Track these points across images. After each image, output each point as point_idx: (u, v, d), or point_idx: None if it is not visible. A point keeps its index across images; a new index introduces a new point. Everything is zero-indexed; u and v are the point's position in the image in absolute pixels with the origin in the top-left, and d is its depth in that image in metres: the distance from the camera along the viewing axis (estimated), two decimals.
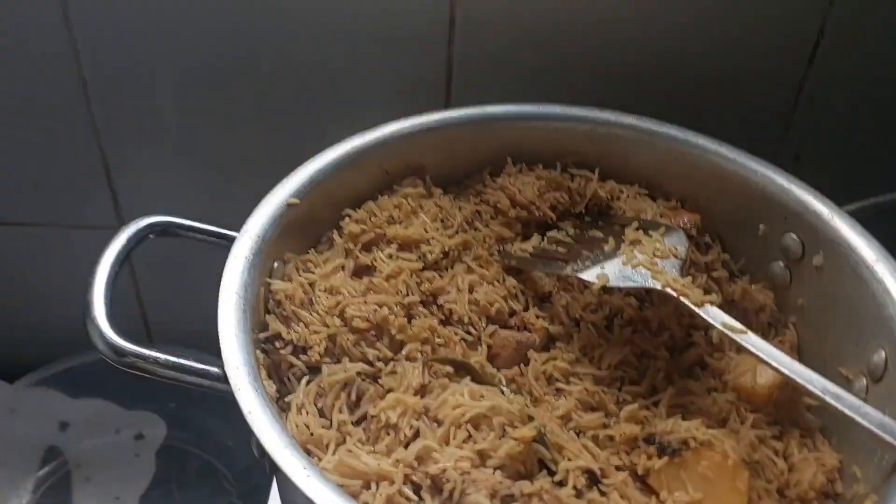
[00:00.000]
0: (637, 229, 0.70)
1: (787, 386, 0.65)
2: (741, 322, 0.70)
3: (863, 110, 0.92)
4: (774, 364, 0.55)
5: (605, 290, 0.65)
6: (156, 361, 0.51)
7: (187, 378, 0.51)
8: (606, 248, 0.68)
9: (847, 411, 0.50)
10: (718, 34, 0.87)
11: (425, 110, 0.78)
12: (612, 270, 0.65)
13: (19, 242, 1.04)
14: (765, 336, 0.71)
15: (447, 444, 0.52)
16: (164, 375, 0.51)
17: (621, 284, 0.63)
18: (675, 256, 0.65)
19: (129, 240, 0.57)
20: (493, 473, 0.50)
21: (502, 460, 0.51)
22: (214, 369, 0.51)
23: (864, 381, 0.61)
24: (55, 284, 1.05)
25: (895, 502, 0.45)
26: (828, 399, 0.52)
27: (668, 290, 0.62)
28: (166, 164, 0.97)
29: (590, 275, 0.65)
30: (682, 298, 0.61)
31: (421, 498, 0.49)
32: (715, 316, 0.59)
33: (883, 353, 0.59)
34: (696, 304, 0.60)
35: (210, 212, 0.99)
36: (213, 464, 1.02)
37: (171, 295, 1.07)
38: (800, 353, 0.71)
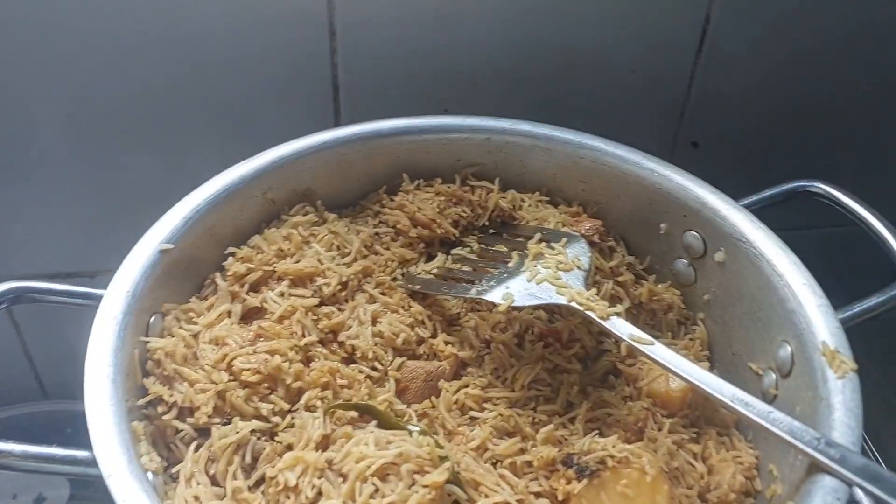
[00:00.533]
0: (540, 241, 0.68)
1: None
2: (650, 323, 0.71)
3: (755, 95, 0.93)
4: (683, 374, 0.54)
5: (513, 307, 0.62)
6: (10, 454, 0.45)
7: (53, 468, 0.46)
8: (510, 264, 0.66)
9: (756, 419, 0.49)
10: (609, 30, 0.86)
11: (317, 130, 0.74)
12: (518, 288, 0.63)
13: None
14: (675, 334, 0.71)
15: (353, 501, 0.48)
16: (27, 468, 0.45)
17: (527, 303, 0.61)
18: (579, 268, 0.63)
19: None
20: None
21: None
22: (83, 453, 0.46)
23: (774, 377, 0.61)
24: None
25: None
26: (737, 407, 0.51)
27: (574, 304, 0.60)
28: (41, 204, 0.89)
29: (495, 295, 0.62)
30: (587, 312, 0.59)
31: None
32: (621, 328, 0.57)
33: (789, 348, 0.58)
34: (601, 318, 0.58)
35: (94, 254, 0.93)
36: None
37: (61, 347, 0.99)
38: (710, 349, 0.70)
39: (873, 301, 0.58)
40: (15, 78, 0.78)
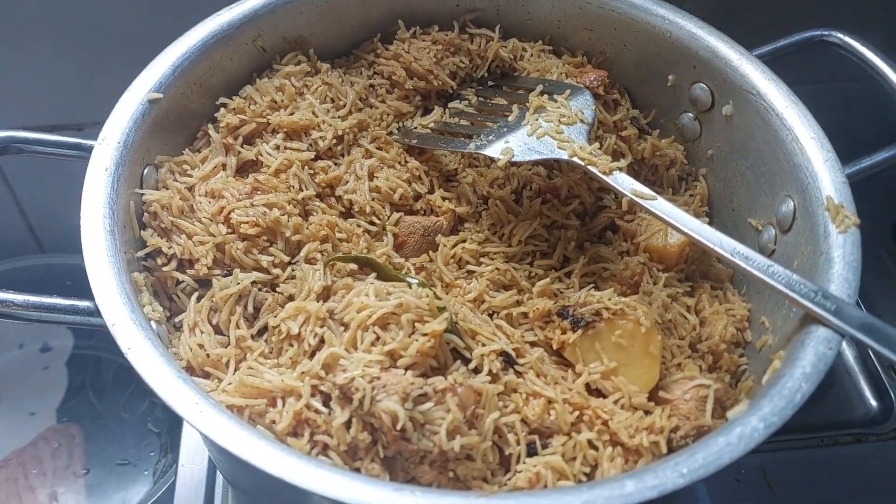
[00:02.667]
0: (541, 94, 0.65)
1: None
2: (651, 179, 0.70)
3: None
4: (684, 229, 0.53)
5: (512, 162, 0.61)
6: (13, 304, 0.45)
7: (56, 317, 0.46)
8: (510, 118, 0.64)
9: (756, 272, 0.50)
10: None
11: None
12: (518, 143, 0.61)
13: None
14: (675, 191, 0.70)
15: (355, 349, 0.49)
16: (29, 318, 0.46)
17: (527, 158, 0.60)
18: (582, 121, 0.61)
19: None
20: (405, 374, 0.48)
21: (414, 358, 0.49)
22: (85, 303, 0.46)
23: (773, 232, 0.61)
24: None
25: (801, 362, 0.45)
26: (737, 261, 0.51)
27: (576, 159, 0.58)
28: (25, 55, 0.85)
29: (494, 150, 0.61)
30: (589, 167, 0.58)
31: (331, 409, 0.47)
32: (623, 183, 0.57)
33: (791, 203, 0.58)
34: (604, 173, 0.57)
35: (81, 106, 0.89)
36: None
37: (54, 201, 0.98)
38: (710, 205, 0.70)
39: (881, 156, 0.57)
40: None
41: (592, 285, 0.61)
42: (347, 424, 0.46)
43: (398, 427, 0.45)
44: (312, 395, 0.47)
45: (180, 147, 0.62)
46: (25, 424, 0.96)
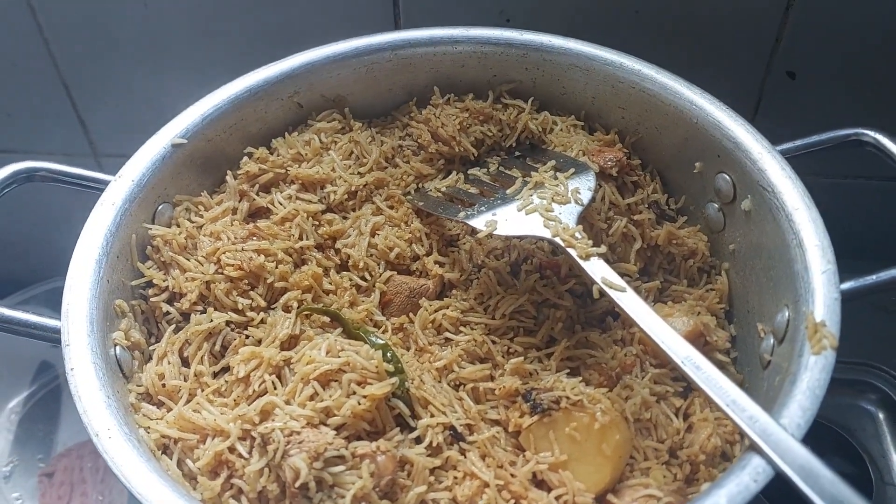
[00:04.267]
0: (549, 169, 0.65)
1: (699, 340, 0.60)
2: (667, 267, 0.67)
3: (861, 21, 0.81)
4: (642, 326, 0.51)
5: (505, 235, 0.61)
6: None
7: (28, 332, 0.52)
8: (509, 190, 0.64)
9: (701, 384, 0.46)
10: None
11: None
12: (505, 216, 0.61)
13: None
14: (693, 283, 0.67)
15: (293, 401, 0.51)
16: (6, 330, 0.52)
17: (508, 233, 0.59)
18: (576, 202, 0.60)
19: None
20: (332, 433, 0.49)
21: (345, 419, 0.50)
22: (53, 323, 0.51)
23: (772, 342, 0.56)
24: (39, 211, 1.08)
25: (719, 491, 0.41)
26: (685, 369, 0.47)
27: (557, 239, 0.57)
28: (131, 83, 0.95)
29: (479, 221, 0.61)
30: (568, 249, 0.56)
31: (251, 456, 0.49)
32: (596, 270, 0.55)
33: (786, 313, 0.53)
34: (581, 257, 0.56)
35: None
36: None
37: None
38: (730, 303, 0.65)
39: (884, 277, 0.51)
40: None
41: (569, 371, 0.59)
42: (261, 473, 0.48)
43: (297, 484, 0.46)
44: (242, 440, 0.49)
45: (208, 187, 0.68)
46: None
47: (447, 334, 0.61)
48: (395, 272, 0.64)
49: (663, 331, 0.50)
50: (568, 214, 0.59)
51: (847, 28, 0.81)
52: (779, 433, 0.42)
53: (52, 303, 0.95)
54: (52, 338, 0.51)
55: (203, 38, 0.89)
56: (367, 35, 0.72)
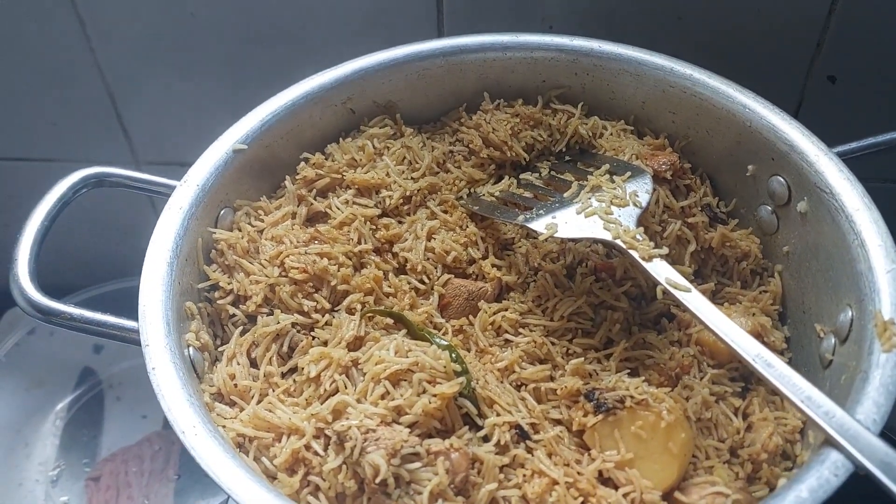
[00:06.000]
0: (604, 173, 0.65)
1: (757, 339, 0.60)
2: (720, 269, 0.67)
3: None
4: (709, 325, 0.51)
5: (564, 238, 0.62)
6: (71, 318, 0.52)
7: (106, 332, 0.53)
8: (566, 194, 0.65)
9: (774, 381, 0.47)
10: None
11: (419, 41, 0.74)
12: (564, 219, 0.62)
13: (44, 178, 1.08)
14: (746, 285, 0.67)
15: (365, 400, 0.52)
16: (83, 330, 0.53)
17: (569, 235, 0.60)
18: (635, 204, 0.61)
19: (61, 196, 0.58)
20: (405, 431, 0.50)
21: (417, 417, 0.51)
22: (132, 323, 0.52)
23: (833, 341, 0.56)
24: (82, 217, 1.10)
25: (800, 486, 0.42)
26: (757, 366, 0.48)
27: (618, 241, 0.58)
28: (173, 91, 0.97)
29: (539, 224, 0.62)
30: (630, 251, 0.57)
31: (328, 453, 0.49)
32: (660, 271, 0.55)
33: (850, 313, 0.54)
34: (643, 258, 0.56)
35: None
36: None
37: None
38: (784, 304, 0.66)
39: None
40: None
41: (629, 371, 0.60)
42: (339, 470, 0.49)
43: (377, 480, 0.46)
44: (316, 438, 0.50)
45: (265, 192, 0.69)
46: (136, 425, 1.07)
47: (506, 336, 0.62)
48: (452, 275, 0.65)
49: (732, 329, 0.51)
50: (627, 217, 0.60)
51: (889, 32, 0.81)
52: (856, 428, 0.43)
53: (104, 307, 0.97)
54: (130, 338, 0.52)
55: (247, 47, 0.91)
56: (417, 42, 0.73)
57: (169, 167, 1.05)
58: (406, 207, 0.69)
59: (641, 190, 0.62)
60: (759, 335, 0.61)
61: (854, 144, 0.61)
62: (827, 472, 0.42)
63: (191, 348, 0.55)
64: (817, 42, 0.84)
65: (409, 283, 0.64)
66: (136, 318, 0.53)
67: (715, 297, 0.66)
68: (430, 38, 0.74)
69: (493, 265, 0.65)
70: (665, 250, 0.57)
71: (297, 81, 0.71)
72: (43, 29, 0.91)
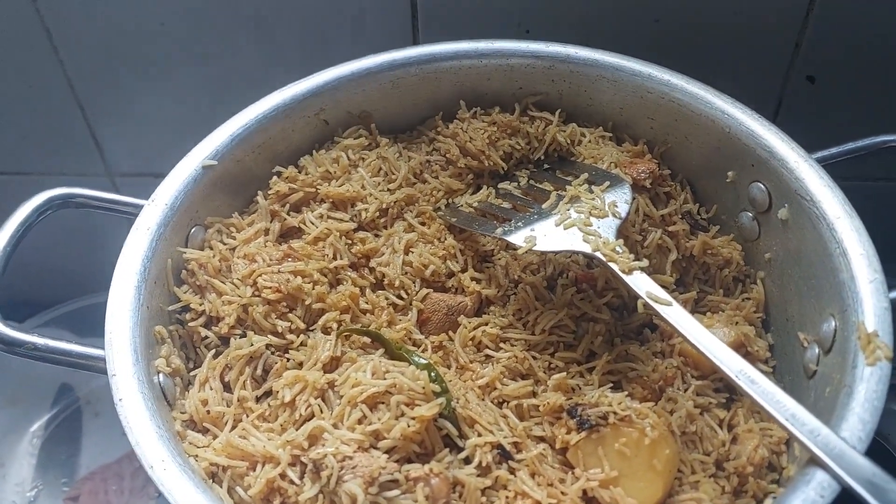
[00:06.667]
0: (584, 182, 0.64)
1: (741, 351, 0.60)
2: (702, 277, 0.67)
3: (885, 23, 0.81)
4: (692, 341, 0.50)
5: (535, 250, 0.60)
6: (35, 348, 0.51)
7: (72, 361, 0.52)
8: (545, 205, 0.63)
9: (758, 398, 0.46)
10: None
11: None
12: (543, 231, 0.61)
13: (15, 191, 1.06)
14: (729, 292, 0.67)
15: (341, 424, 0.50)
16: (49, 360, 0.51)
17: (549, 248, 0.59)
18: (614, 215, 0.60)
19: (25, 220, 0.56)
20: (383, 457, 0.49)
21: (396, 441, 0.50)
22: (98, 352, 0.51)
23: (817, 351, 0.56)
24: (54, 232, 1.07)
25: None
26: (741, 383, 0.47)
27: (598, 254, 0.57)
28: (144, 101, 0.95)
29: (518, 237, 0.61)
30: (609, 264, 0.56)
31: (303, 482, 0.48)
32: (640, 284, 0.54)
33: (833, 323, 0.53)
34: (623, 271, 0.55)
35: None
36: None
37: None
38: (767, 311, 0.65)
39: None
40: None
41: (612, 385, 0.59)
42: (315, 500, 0.47)
43: None
44: (292, 465, 0.49)
45: (238, 208, 0.67)
46: (116, 442, 1.04)
47: (487, 351, 0.61)
48: (431, 290, 0.64)
49: (714, 345, 0.50)
50: (607, 228, 0.59)
51: (867, 32, 0.81)
52: (842, 447, 0.42)
53: (72, 325, 0.94)
54: (97, 367, 0.50)
55: (219, 56, 0.89)
56: (391, 50, 0.72)
57: (142, 178, 1.03)
58: (383, 220, 0.67)
59: (620, 200, 0.61)
60: (741, 345, 0.60)
61: (834, 150, 0.61)
62: (813, 492, 0.41)
63: (161, 375, 0.53)
64: (795, 42, 0.83)
65: (386, 298, 0.63)
66: (103, 341, 0.51)
67: (697, 306, 0.66)
68: (405, 46, 0.73)
69: (473, 278, 0.64)
70: (645, 262, 0.56)
71: (269, 91, 0.69)
72: (8, 39, 0.88)
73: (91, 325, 1.02)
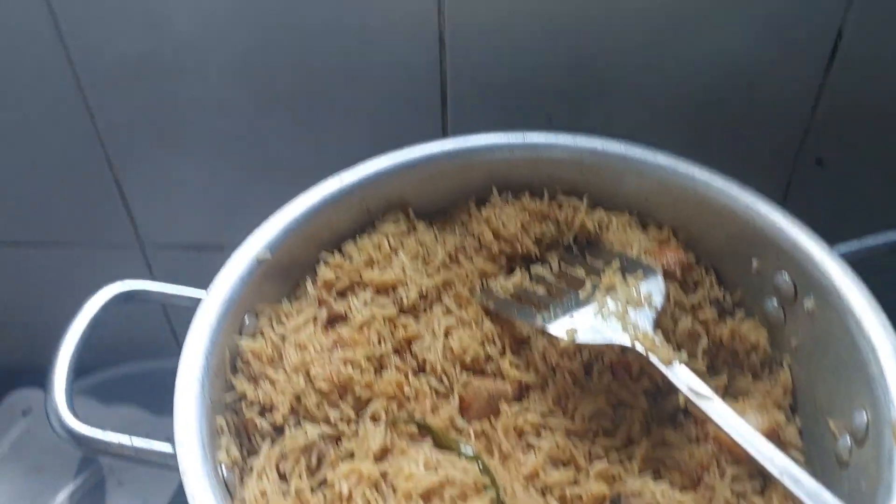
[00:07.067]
0: (617, 270, 0.67)
1: (773, 438, 0.62)
2: (731, 362, 0.69)
3: (891, 113, 0.86)
4: (735, 436, 0.53)
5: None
6: (108, 446, 0.53)
7: (142, 458, 0.53)
8: (582, 294, 0.66)
9: (803, 498, 0.48)
10: (728, 45, 0.82)
11: (423, 135, 0.77)
12: (583, 321, 0.63)
13: (47, 262, 1.09)
14: (757, 376, 0.69)
15: None
16: (120, 456, 0.53)
17: (589, 340, 0.62)
18: (650, 306, 0.63)
19: (94, 315, 0.58)
20: None
21: None
22: (166, 448, 0.53)
23: (850, 442, 0.58)
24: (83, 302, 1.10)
25: None
26: (785, 482, 0.49)
27: (637, 345, 0.60)
28: (179, 174, 0.98)
29: (559, 327, 0.63)
30: (650, 356, 0.59)
31: None
32: (681, 378, 0.57)
33: (865, 416, 0.56)
34: (663, 363, 0.58)
35: (225, 227, 1.01)
36: None
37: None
38: (794, 396, 0.68)
39: None
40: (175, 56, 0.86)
41: (653, 472, 0.61)
42: None
43: None
44: None
45: (284, 293, 0.70)
46: None
47: (529, 438, 0.63)
48: (471, 374, 0.66)
49: (758, 440, 0.52)
50: (644, 319, 0.62)
51: (876, 115, 0.85)
52: None
53: (99, 395, 0.95)
54: (167, 463, 0.52)
55: (254, 137, 0.93)
56: (429, 142, 0.75)
57: (173, 250, 1.06)
58: (422, 304, 0.70)
59: (655, 291, 0.64)
60: (774, 432, 0.62)
61: (855, 244, 0.64)
62: None
63: (223, 467, 0.55)
64: (805, 129, 0.88)
65: (429, 384, 0.65)
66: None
67: (727, 391, 0.68)
68: (434, 124, 0.76)
69: (512, 364, 0.67)
70: (684, 356, 0.59)
71: (302, 171, 0.72)
72: (53, 121, 0.92)
73: (119, 395, 1.04)
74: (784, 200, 0.93)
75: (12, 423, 1.09)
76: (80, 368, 1.10)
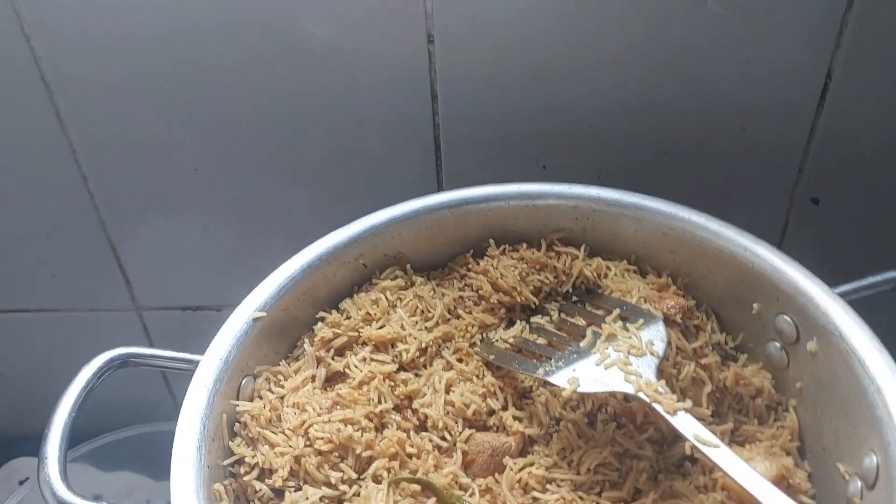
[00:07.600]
0: (617, 318, 0.67)
1: (782, 483, 0.61)
2: (736, 407, 0.68)
3: (885, 149, 0.87)
4: (745, 485, 0.52)
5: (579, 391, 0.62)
6: None
7: None
8: (583, 343, 0.66)
9: None
10: (718, 92, 0.83)
11: (418, 189, 0.77)
12: (585, 371, 0.63)
13: (44, 328, 1.08)
14: (763, 421, 0.68)
15: None
16: None
17: (592, 390, 0.61)
18: (652, 354, 0.62)
19: (86, 384, 0.58)
20: None
21: None
22: None
23: (860, 485, 0.57)
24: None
25: None
26: None
27: (641, 394, 0.59)
28: (174, 238, 0.98)
29: (561, 378, 0.63)
30: (654, 405, 0.58)
31: None
32: (687, 427, 0.56)
33: (874, 459, 0.55)
34: (668, 412, 0.57)
35: (221, 287, 1.01)
36: None
37: None
38: (801, 440, 0.67)
39: None
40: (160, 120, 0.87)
41: None
42: None
43: None
44: None
45: (282, 353, 0.69)
46: None
47: (534, 493, 0.61)
48: (474, 429, 0.65)
49: (767, 488, 0.51)
50: (646, 367, 0.61)
51: (870, 154, 0.86)
52: None
53: (96, 461, 0.94)
54: None
55: (247, 198, 0.94)
56: (425, 196, 0.76)
57: (169, 312, 1.06)
58: (422, 359, 0.69)
59: (657, 338, 0.63)
60: (783, 478, 0.61)
61: (855, 284, 0.64)
62: None
63: None
64: (798, 168, 0.89)
65: (430, 440, 0.64)
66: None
67: (733, 436, 0.67)
68: (428, 177, 0.76)
69: (515, 417, 0.66)
70: (689, 403, 0.58)
71: (297, 230, 0.72)
72: (48, 187, 0.92)
73: (119, 460, 1.03)
74: (781, 241, 0.94)
75: (10, 492, 1.07)
76: (78, 435, 1.09)
